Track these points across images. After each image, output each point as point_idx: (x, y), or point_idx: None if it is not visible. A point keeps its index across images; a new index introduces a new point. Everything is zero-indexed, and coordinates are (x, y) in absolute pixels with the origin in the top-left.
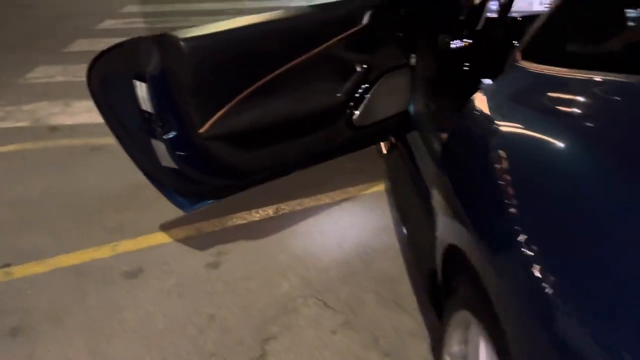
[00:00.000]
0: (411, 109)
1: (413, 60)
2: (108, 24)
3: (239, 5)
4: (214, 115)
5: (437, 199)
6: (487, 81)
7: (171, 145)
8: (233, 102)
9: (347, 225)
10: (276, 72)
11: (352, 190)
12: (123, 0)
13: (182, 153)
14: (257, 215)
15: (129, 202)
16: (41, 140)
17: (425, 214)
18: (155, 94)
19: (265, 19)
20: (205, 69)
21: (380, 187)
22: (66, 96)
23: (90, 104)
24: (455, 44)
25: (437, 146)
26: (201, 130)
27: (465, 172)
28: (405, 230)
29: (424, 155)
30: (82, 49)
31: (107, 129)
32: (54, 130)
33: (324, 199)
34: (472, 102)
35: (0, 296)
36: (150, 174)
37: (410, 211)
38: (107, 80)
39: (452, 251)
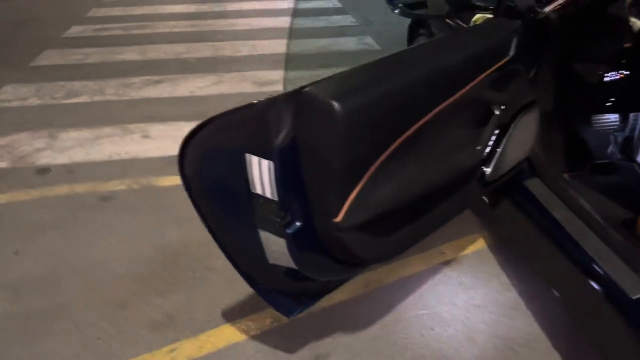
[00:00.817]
0: None
1: None
2: (75, 30)
3: (217, 8)
4: (349, 196)
5: None
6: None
7: (293, 239)
8: (367, 176)
9: (465, 305)
10: (416, 127)
11: (446, 251)
12: (87, 3)
13: (305, 249)
14: (342, 292)
15: (170, 278)
16: (31, 188)
17: (600, 287)
18: (281, 173)
19: (411, 58)
20: (355, 137)
21: (479, 245)
22: (49, 124)
23: (82, 134)
24: (611, 76)
25: (585, 204)
26: (337, 219)
27: None
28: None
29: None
30: (52, 62)
31: (113, 171)
32: (45, 172)
33: (417, 263)
34: None
35: None
36: (249, 273)
37: (563, 281)
38: (207, 155)
39: None
